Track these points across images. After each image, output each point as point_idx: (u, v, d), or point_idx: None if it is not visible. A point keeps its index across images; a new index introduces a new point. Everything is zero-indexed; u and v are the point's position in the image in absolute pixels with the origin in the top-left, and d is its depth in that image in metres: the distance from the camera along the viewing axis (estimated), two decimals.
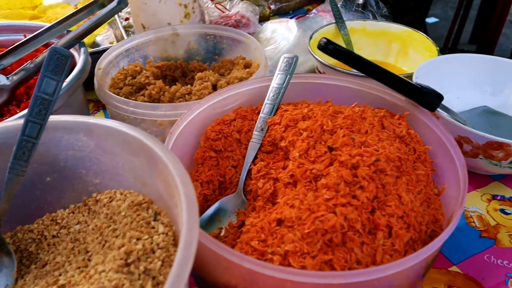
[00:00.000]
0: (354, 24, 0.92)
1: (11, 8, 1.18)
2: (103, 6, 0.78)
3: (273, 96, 0.60)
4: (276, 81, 0.61)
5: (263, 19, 1.13)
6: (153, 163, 0.44)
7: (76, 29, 0.70)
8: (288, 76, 0.61)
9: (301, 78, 0.64)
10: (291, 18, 1.17)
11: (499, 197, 0.64)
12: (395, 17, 1.41)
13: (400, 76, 0.53)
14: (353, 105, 0.58)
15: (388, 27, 0.91)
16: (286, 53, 0.85)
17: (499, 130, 0.72)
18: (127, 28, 1.04)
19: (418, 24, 1.49)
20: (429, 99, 0.56)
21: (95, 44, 1.07)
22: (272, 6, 1.18)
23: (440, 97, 0.56)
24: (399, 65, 0.91)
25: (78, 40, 0.70)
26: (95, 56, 0.79)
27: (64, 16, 0.74)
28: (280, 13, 1.22)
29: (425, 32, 3.19)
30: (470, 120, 0.74)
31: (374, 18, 0.99)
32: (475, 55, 0.76)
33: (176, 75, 0.85)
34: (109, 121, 0.48)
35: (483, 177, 0.68)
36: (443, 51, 3.90)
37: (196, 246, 0.33)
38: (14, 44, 0.79)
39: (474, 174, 0.68)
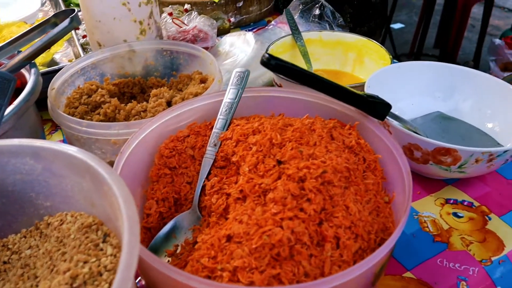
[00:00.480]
0: (310, 35, 0.93)
1: None
2: (55, 25, 0.78)
3: (226, 111, 0.61)
4: (228, 96, 0.62)
5: (223, 32, 1.14)
6: (98, 185, 0.44)
7: (27, 49, 0.69)
8: (240, 91, 0.61)
9: (253, 92, 0.64)
10: (251, 30, 1.18)
11: (451, 201, 0.66)
12: (355, 25, 1.44)
13: (347, 87, 0.54)
14: (304, 117, 0.59)
15: (343, 37, 0.93)
16: (243, 66, 0.86)
17: (451, 134, 0.74)
18: (85, 46, 1.03)
19: (380, 30, 1.52)
20: (377, 108, 0.57)
21: (53, 62, 1.06)
22: (232, 19, 1.19)
23: (388, 106, 0.58)
24: (356, 74, 0.93)
25: (28, 61, 0.69)
26: (52, 75, 0.79)
27: (15, 36, 0.74)
28: (241, 25, 1.23)
29: (390, 38, 3.24)
30: (424, 126, 0.76)
31: (331, 28, 1.01)
32: (426, 63, 0.78)
33: (134, 92, 0.85)
34: (55, 144, 0.47)
35: (437, 182, 0.70)
36: (409, 56, 4.00)
37: (135, 268, 0.33)
38: None
39: (428, 179, 0.70)
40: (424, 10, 3.83)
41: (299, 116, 0.62)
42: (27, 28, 1.06)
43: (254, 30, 1.17)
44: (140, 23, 0.85)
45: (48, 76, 0.85)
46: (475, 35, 4.60)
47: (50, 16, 0.78)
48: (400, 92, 0.77)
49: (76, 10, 0.76)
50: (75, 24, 0.76)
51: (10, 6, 1.35)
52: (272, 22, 1.09)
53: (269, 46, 0.87)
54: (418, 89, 0.78)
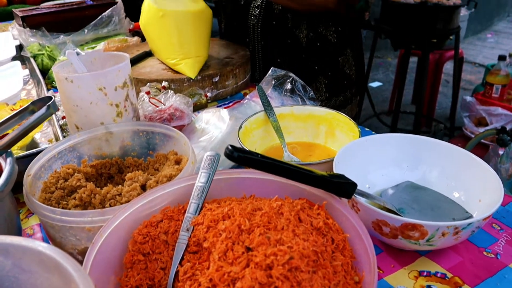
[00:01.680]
0: (282, 110, 0.97)
1: None
2: (33, 112, 0.80)
3: (198, 195, 0.62)
4: (200, 179, 0.63)
5: (200, 107, 1.17)
6: (67, 282, 0.44)
7: (3, 138, 0.71)
8: (211, 174, 0.63)
9: (225, 174, 0.66)
10: (228, 103, 1.22)
11: (425, 273, 0.67)
12: (331, 95, 1.48)
13: (313, 171, 0.57)
14: (274, 198, 0.60)
15: (314, 111, 0.96)
16: (218, 143, 0.88)
17: (421, 204, 0.76)
18: (64, 126, 1.05)
19: (356, 99, 1.58)
20: (344, 188, 0.59)
21: (33, 142, 1.07)
22: (209, 94, 1.23)
23: (354, 185, 0.60)
24: (329, 145, 0.96)
25: (4, 150, 0.70)
26: (29, 158, 0.80)
27: None
28: (218, 99, 1.27)
29: (369, 96, 3.32)
30: (395, 197, 0.78)
31: (303, 101, 1.05)
32: (391, 135, 0.82)
33: (112, 172, 0.86)
34: (25, 240, 0.48)
35: (411, 253, 0.71)
36: (388, 114, 4.08)
37: None
38: None
39: (402, 251, 0.71)
40: (399, 69, 3.99)
41: (270, 196, 0.64)
42: (8, 110, 1.08)
43: (230, 104, 1.21)
44: (117, 106, 0.88)
45: (25, 160, 0.87)
46: (450, 90, 4.78)
47: (28, 104, 0.80)
48: (369, 164, 0.80)
49: (53, 98, 0.79)
50: (52, 111, 0.78)
51: None
52: (247, 97, 1.13)
53: (242, 123, 0.90)
54: (386, 161, 0.81)
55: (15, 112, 0.79)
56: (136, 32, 1.93)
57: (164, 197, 0.64)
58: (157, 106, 0.98)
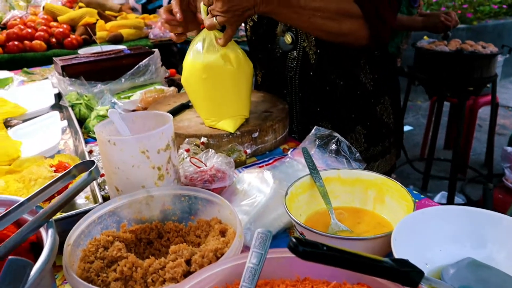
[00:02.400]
0: (329, 174, 0.93)
1: None
2: (74, 177, 0.78)
3: (249, 277, 0.57)
4: (251, 259, 0.59)
5: (239, 164, 1.14)
6: None
7: (45, 208, 0.68)
8: (263, 255, 0.59)
9: (277, 253, 0.62)
10: (267, 161, 1.19)
11: None
12: (369, 145, 1.44)
13: (381, 260, 0.52)
14: (331, 285, 0.55)
15: (362, 175, 0.92)
16: (262, 208, 0.84)
17: (489, 285, 0.69)
18: (102, 184, 1.03)
19: (395, 149, 1.53)
20: (410, 276, 0.54)
21: None
22: (248, 150, 1.20)
23: (420, 273, 0.54)
24: (378, 212, 0.90)
25: (46, 220, 0.68)
26: (67, 220, 0.77)
27: (35, 192, 0.73)
28: (256, 155, 1.24)
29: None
30: (457, 277, 0.71)
31: (348, 162, 1.01)
32: (450, 208, 0.76)
33: (151, 237, 0.83)
34: None
35: None
36: (421, 159, 3.98)
37: None
38: None
39: None
40: (431, 112, 3.91)
41: (325, 278, 0.59)
42: (46, 167, 1.07)
43: (270, 161, 1.17)
44: (159, 169, 0.85)
45: (64, 222, 0.84)
46: (484, 135, 4.66)
47: (70, 168, 0.78)
48: (427, 240, 0.74)
49: (95, 163, 0.77)
50: (94, 176, 0.76)
51: (32, 137, 1.39)
52: (289, 154, 1.09)
53: (288, 189, 0.86)
54: (445, 236, 0.75)
55: (57, 177, 0.76)
56: (171, 80, 1.94)
57: (212, 277, 0.60)
58: (199, 167, 0.95)
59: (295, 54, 1.39)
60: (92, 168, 0.76)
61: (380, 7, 1.20)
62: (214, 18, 1.11)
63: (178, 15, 1.18)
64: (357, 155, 1.02)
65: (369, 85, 1.40)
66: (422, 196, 1.03)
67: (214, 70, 1.17)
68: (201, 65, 1.17)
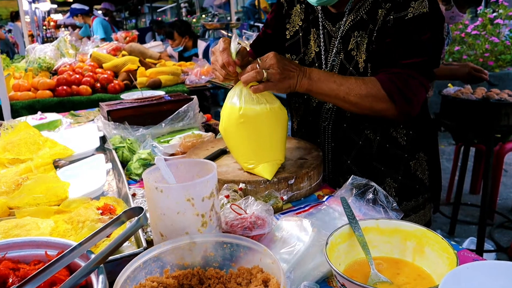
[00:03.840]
0: (367, 223, 0.90)
1: (39, 203, 1.19)
2: (123, 222, 0.78)
3: None
4: None
5: (276, 210, 1.12)
6: None
7: (96, 255, 0.68)
8: None
9: None
10: (304, 207, 1.17)
11: None
12: (401, 200, 1.39)
13: None
14: None
15: (401, 225, 0.89)
16: (301, 256, 0.81)
17: None
18: (145, 227, 1.03)
19: (430, 205, 1.47)
20: None
21: None
22: (284, 197, 1.18)
23: None
24: (418, 263, 0.86)
25: (97, 266, 0.67)
26: (113, 262, 0.76)
27: (87, 237, 0.73)
28: (291, 201, 1.22)
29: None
30: None
31: (385, 212, 0.98)
32: (498, 263, 0.72)
33: (193, 283, 0.81)
34: None
35: None
36: (447, 204, 3.86)
37: None
38: (34, 260, 0.76)
39: None
40: (457, 158, 3.81)
41: None
42: (93, 209, 1.08)
43: (307, 208, 1.15)
44: (202, 216, 0.84)
45: (109, 264, 0.84)
46: (510, 179, 4.52)
47: (120, 214, 0.78)
48: None
49: (143, 210, 0.77)
50: (142, 223, 0.75)
51: (79, 178, 1.41)
52: (325, 202, 1.07)
53: (328, 239, 0.83)
54: None
55: (107, 223, 0.77)
56: (208, 125, 1.96)
57: None
58: (239, 214, 0.94)
59: (330, 105, 1.39)
60: (140, 215, 0.76)
61: (408, 88, 1.21)
62: (263, 72, 1.14)
63: (231, 68, 1.18)
64: (394, 204, 0.99)
65: (402, 140, 1.37)
66: (452, 242, 0.98)
67: (251, 115, 1.18)
68: (238, 110, 1.18)
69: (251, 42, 1.65)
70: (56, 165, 1.58)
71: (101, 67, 3.88)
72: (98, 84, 3.54)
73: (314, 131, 1.46)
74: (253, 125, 1.19)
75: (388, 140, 1.37)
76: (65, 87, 3.39)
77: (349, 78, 1.24)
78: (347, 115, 1.37)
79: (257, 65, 1.15)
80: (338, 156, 1.43)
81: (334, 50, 1.35)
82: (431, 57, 1.23)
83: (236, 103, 1.20)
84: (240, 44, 1.19)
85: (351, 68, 1.32)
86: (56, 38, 5.27)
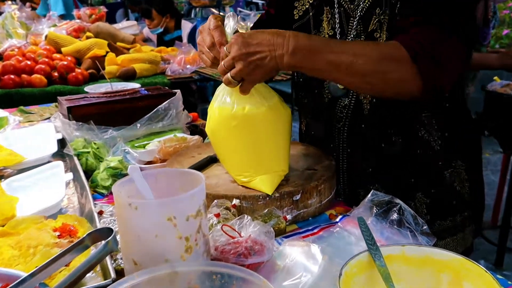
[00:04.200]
0: (391, 250, 0.91)
1: None
2: (87, 247, 0.79)
3: None
4: None
5: (278, 233, 1.13)
6: None
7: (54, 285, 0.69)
8: None
9: None
10: (312, 229, 1.18)
11: None
12: (434, 218, 1.39)
13: None
14: None
15: (433, 253, 0.90)
16: None
17: None
18: (114, 254, 1.03)
19: (471, 226, 1.47)
20: None
21: None
22: (288, 216, 1.19)
23: None
24: None
25: None
26: None
27: (39, 267, 0.74)
28: (297, 221, 1.23)
29: None
30: None
31: (413, 236, 0.99)
32: None
33: None
34: None
35: None
36: (492, 227, 3.86)
37: None
38: None
39: None
40: (505, 170, 3.82)
41: None
42: (48, 231, 1.08)
43: (315, 231, 1.16)
44: (186, 239, 0.85)
45: None
46: None
47: (83, 236, 0.79)
48: None
49: (113, 231, 0.78)
50: (112, 248, 0.76)
51: (30, 192, 1.41)
52: (338, 223, 1.08)
53: (342, 269, 0.84)
54: None
55: (66, 248, 0.77)
56: (194, 126, 1.98)
57: None
58: (232, 237, 0.95)
59: (346, 101, 1.40)
60: (109, 239, 0.77)
61: (436, 48, 1.15)
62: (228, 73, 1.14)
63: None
64: (425, 227, 1.00)
65: (435, 144, 1.37)
66: (498, 275, 0.99)
67: (245, 116, 1.19)
68: (229, 110, 1.20)
69: (251, 24, 1.66)
70: (1, 175, 1.58)
71: (59, 52, 3.89)
72: (56, 73, 3.54)
73: (326, 134, 1.47)
74: (248, 129, 1.20)
75: (418, 144, 1.38)
76: (12, 76, 3.38)
77: (353, 42, 1.23)
78: (365, 112, 1.37)
79: (223, 64, 1.15)
80: (355, 165, 1.44)
81: (353, 33, 1.36)
82: (465, 15, 1.21)
83: (227, 101, 1.22)
84: (240, 26, 1.20)
85: None
86: (1, 13, 5.23)
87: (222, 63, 1.15)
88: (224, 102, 1.22)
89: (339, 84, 1.35)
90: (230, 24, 1.18)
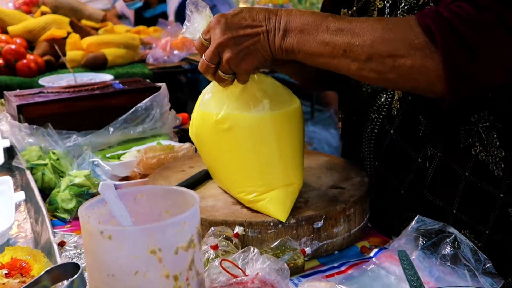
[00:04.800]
0: None
1: None
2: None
3: None
4: None
5: (294, 271, 1.14)
6: None
7: None
8: None
9: None
10: (339, 266, 1.19)
11: None
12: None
13: None
14: None
15: None
16: None
17: None
18: None
19: None
20: None
21: None
22: (307, 249, 1.20)
23: None
24: None
25: None
26: None
27: None
28: (319, 256, 1.25)
29: None
30: None
31: (473, 276, 1.00)
32: None
33: None
34: None
35: None
36: None
37: None
38: None
39: None
40: None
41: None
42: None
43: (343, 268, 1.17)
44: (175, 278, 0.87)
45: None
46: None
47: (41, 274, 0.81)
48: None
49: (80, 268, 0.79)
50: None
51: None
52: (373, 259, 1.10)
53: None
54: None
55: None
56: (185, 131, 1.99)
57: None
58: (234, 275, 0.97)
59: (383, 98, 1.41)
60: (74, 277, 0.78)
61: (471, 32, 1.09)
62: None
63: None
64: (488, 265, 1.01)
65: (495, 167, 1.31)
66: None
67: (240, 116, 1.22)
68: (217, 112, 1.23)
69: None
70: None
71: (4, 31, 3.88)
72: (0, 61, 3.55)
73: (358, 140, 1.48)
74: (243, 131, 1.23)
75: (469, 166, 1.34)
76: None
77: (355, 18, 1.25)
78: (393, 113, 1.38)
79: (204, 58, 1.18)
80: (385, 183, 1.45)
81: (405, 6, 1.37)
82: None
83: (215, 99, 1.25)
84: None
85: None
86: None
87: (203, 57, 1.18)
88: (211, 100, 1.25)
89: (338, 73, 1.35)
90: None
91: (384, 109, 1.40)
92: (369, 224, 1.41)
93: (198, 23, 1.21)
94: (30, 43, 3.85)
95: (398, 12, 1.38)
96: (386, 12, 1.41)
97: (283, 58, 1.18)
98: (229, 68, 1.16)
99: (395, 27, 1.15)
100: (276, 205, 1.23)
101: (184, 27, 1.24)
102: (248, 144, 1.24)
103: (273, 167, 1.26)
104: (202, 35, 1.17)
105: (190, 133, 1.30)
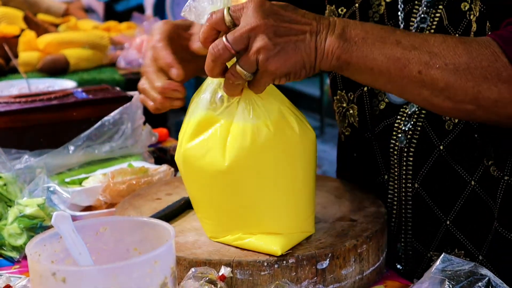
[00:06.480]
0: None
1: None
2: None
3: None
4: None
5: None
6: None
7: None
8: None
9: None
10: None
11: None
12: None
13: None
14: None
15: None
16: None
17: None
18: None
19: None
20: None
21: None
22: None
23: None
24: None
25: None
26: None
27: None
28: None
29: None
30: None
31: None
32: None
33: None
34: None
35: None
36: None
37: None
38: None
39: None
40: None
41: None
42: None
43: None
44: None
45: None
46: None
47: None
48: None
49: None
50: None
51: None
52: None
53: None
54: None
55: None
56: (161, 150, 2.00)
57: None
58: None
59: (414, 107, 1.40)
60: None
61: None
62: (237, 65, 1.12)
63: (175, 72, 1.25)
64: None
65: None
66: None
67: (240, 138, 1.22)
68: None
69: None
70: None
71: None
72: None
73: (374, 161, 1.49)
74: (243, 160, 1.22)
75: (498, 190, 1.35)
76: None
77: (430, 34, 1.26)
78: (448, 127, 1.37)
79: (225, 41, 1.10)
80: (425, 213, 1.44)
81: (425, 2, 1.38)
82: None
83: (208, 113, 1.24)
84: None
85: (457, 35, 1.34)
86: None
87: (223, 38, 1.11)
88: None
89: (398, 97, 1.35)
90: None
91: (421, 120, 1.38)
92: (398, 266, 1.42)
93: (210, 3, 1.17)
94: None
95: (418, 5, 1.38)
96: (400, 7, 1.41)
97: (325, 67, 1.13)
98: (255, 61, 1.10)
99: (479, 54, 1.15)
100: (272, 239, 1.22)
101: (187, 5, 1.18)
102: (241, 182, 1.23)
103: (272, 213, 1.25)
104: (228, 10, 1.12)
105: (177, 155, 1.27)
